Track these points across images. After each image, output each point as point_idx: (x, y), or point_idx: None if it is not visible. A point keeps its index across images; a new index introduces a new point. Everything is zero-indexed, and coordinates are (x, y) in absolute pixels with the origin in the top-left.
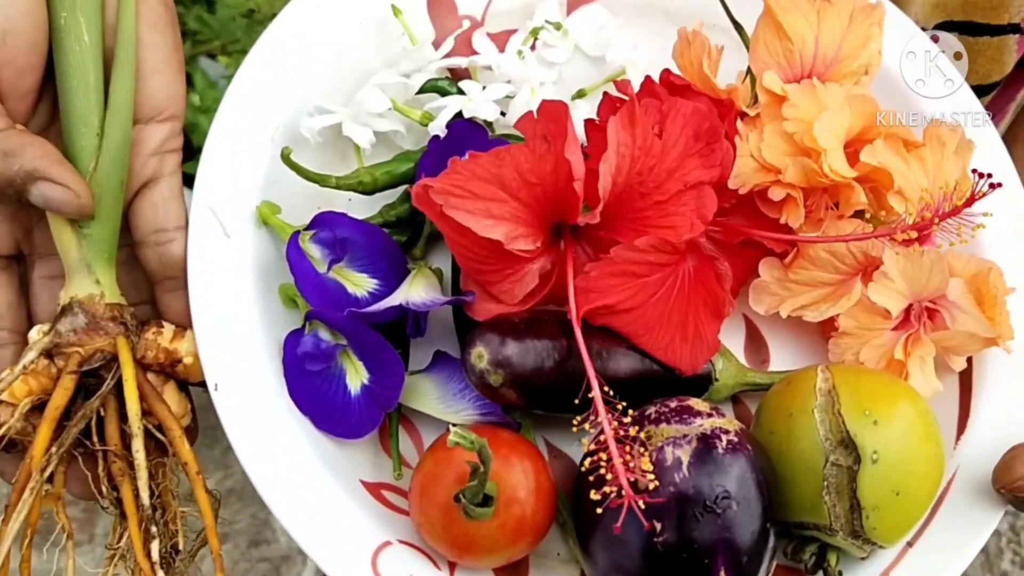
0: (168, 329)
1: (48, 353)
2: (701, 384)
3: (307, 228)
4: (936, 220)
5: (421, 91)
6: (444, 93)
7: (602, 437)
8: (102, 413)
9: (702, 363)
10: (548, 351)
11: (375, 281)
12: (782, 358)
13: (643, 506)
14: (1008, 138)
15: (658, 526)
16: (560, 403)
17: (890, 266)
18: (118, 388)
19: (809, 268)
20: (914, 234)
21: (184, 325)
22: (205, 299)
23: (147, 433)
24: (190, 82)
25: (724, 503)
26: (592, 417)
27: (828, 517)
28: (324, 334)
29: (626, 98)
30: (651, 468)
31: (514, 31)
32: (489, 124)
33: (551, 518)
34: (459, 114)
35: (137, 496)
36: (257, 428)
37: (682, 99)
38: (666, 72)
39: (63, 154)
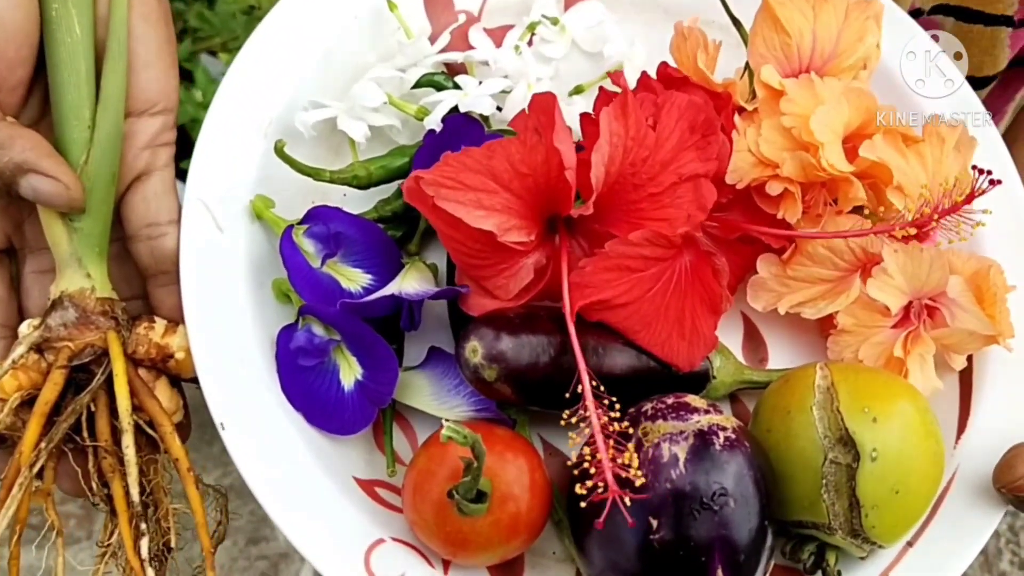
0: (160, 324)
1: (38, 348)
2: (698, 382)
3: (301, 222)
4: (936, 217)
5: (417, 85)
6: (440, 88)
7: (587, 430)
8: (92, 408)
9: (699, 359)
10: (543, 346)
11: (369, 276)
12: (780, 356)
13: (628, 503)
14: (1007, 138)
15: (654, 523)
16: (555, 399)
17: (889, 262)
18: (109, 383)
19: (807, 264)
20: (913, 231)
21: (176, 320)
22: (197, 294)
23: (138, 429)
24: (192, 79)
25: (721, 500)
26: (580, 412)
27: (827, 516)
28: (317, 329)
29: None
30: (636, 464)
31: (511, 26)
32: (485, 119)
33: (546, 516)
34: (455, 109)
35: (127, 493)
36: (249, 424)
37: (677, 91)
38: (663, 65)
39: (54, 147)
